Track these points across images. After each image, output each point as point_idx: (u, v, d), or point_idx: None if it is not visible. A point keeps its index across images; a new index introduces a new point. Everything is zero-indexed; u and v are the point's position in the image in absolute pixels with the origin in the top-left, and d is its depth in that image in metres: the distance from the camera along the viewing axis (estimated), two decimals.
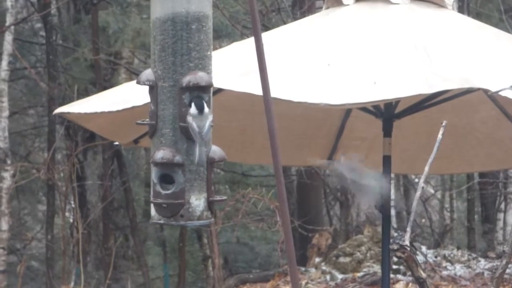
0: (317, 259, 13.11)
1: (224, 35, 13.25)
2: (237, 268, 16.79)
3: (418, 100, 4.63)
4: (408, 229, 3.27)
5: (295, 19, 10.65)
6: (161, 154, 2.39)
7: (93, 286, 12.91)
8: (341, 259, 12.44)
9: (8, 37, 11.23)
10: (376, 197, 3.46)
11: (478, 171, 12.41)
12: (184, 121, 2.39)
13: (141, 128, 4.95)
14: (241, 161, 9.89)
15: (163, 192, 2.39)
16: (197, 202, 2.40)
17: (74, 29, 13.91)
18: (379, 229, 11.69)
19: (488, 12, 13.94)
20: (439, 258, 12.80)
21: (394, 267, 11.64)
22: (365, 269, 12.16)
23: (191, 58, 2.43)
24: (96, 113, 4.51)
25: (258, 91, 2.87)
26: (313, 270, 12.68)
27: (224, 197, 2.53)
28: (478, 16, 13.45)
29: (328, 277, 12.15)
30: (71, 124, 13.11)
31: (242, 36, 11.51)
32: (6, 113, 11.23)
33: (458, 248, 13.69)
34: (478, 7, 14.13)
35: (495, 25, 7.08)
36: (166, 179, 2.40)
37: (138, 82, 2.46)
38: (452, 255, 12.88)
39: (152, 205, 2.42)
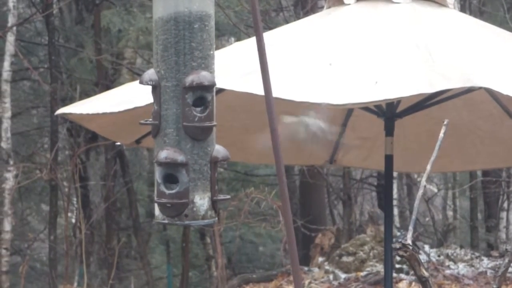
0: (320, 259, 13.10)
1: (230, 33, 13.26)
2: (240, 268, 16.80)
3: (420, 99, 4.63)
4: (411, 228, 3.27)
5: (297, 18, 10.64)
6: (165, 154, 2.39)
7: (96, 286, 12.92)
8: (344, 259, 12.43)
9: (10, 38, 11.24)
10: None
11: (480, 169, 12.42)
12: (188, 120, 2.41)
13: (143, 128, 4.96)
14: (243, 161, 9.90)
15: (167, 192, 2.40)
16: (201, 201, 2.41)
17: (77, 30, 13.92)
18: (382, 228, 11.70)
19: (490, 11, 13.93)
20: (442, 257, 12.80)
21: (397, 266, 11.64)
22: (368, 269, 12.15)
23: (194, 57, 2.43)
24: (98, 113, 4.52)
25: (260, 91, 2.88)
26: (316, 269, 12.68)
27: (228, 196, 2.54)
28: (480, 14, 13.45)
29: (331, 276, 12.15)
30: (73, 125, 13.13)
31: (246, 34, 11.51)
32: (8, 114, 11.24)
33: (461, 247, 13.69)
34: (481, 5, 14.12)
35: (498, 24, 7.07)
36: (170, 179, 2.40)
37: (141, 82, 2.46)
38: (455, 254, 12.87)
39: (156, 205, 2.43)
